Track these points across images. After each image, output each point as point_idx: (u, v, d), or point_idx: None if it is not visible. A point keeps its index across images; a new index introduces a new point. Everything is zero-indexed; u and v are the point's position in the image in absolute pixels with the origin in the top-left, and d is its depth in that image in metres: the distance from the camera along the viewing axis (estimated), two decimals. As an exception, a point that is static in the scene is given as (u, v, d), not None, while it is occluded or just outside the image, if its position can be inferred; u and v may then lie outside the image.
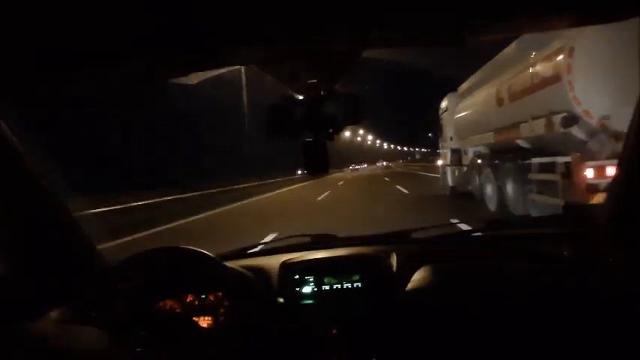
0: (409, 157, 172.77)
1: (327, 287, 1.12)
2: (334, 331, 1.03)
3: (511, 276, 1.04)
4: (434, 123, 12.59)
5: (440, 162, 12.50)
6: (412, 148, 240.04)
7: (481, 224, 1.32)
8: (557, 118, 5.03)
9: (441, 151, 12.12)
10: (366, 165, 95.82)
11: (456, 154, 10.28)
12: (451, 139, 10.52)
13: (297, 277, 1.14)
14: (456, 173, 10.39)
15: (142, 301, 1.09)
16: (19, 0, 0.51)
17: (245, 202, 16.21)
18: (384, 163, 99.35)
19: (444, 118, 11.19)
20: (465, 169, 9.69)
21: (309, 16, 0.57)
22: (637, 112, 0.89)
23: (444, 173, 11.43)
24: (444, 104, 11.28)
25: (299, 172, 41.98)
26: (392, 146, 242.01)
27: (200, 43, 0.62)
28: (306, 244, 1.39)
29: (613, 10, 0.61)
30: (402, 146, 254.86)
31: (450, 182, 10.80)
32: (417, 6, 0.56)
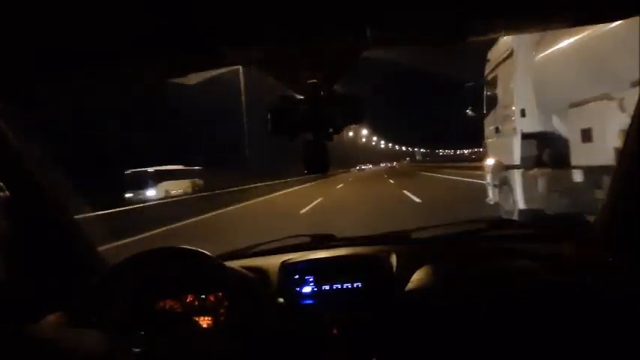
0: (408, 158, 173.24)
1: (327, 287, 1.12)
2: (334, 331, 1.03)
3: (511, 276, 1.04)
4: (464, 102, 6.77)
5: (489, 161, 6.48)
6: (411, 148, 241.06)
7: (481, 224, 1.32)
8: None
9: (489, 141, 6.43)
10: (370, 165, 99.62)
11: (540, 142, 5.07)
12: (523, 113, 5.12)
13: (297, 277, 1.14)
14: (540, 184, 4.82)
15: (142, 301, 1.09)
16: (19, 0, 0.51)
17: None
18: (388, 164, 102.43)
19: (501, 74, 5.71)
20: (579, 175, 4.27)
21: (309, 16, 0.57)
22: (637, 112, 0.89)
23: (502, 183, 5.84)
24: (502, 46, 5.63)
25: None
26: (390, 145, 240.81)
27: (200, 43, 0.62)
28: (306, 244, 1.39)
29: (613, 9, 0.62)
30: (401, 146, 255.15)
31: (520, 201, 5.18)
32: (416, 6, 0.56)
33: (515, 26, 0.63)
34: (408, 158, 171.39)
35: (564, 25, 0.70)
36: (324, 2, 0.55)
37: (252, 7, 0.55)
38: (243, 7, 0.55)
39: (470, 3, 0.55)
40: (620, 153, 0.97)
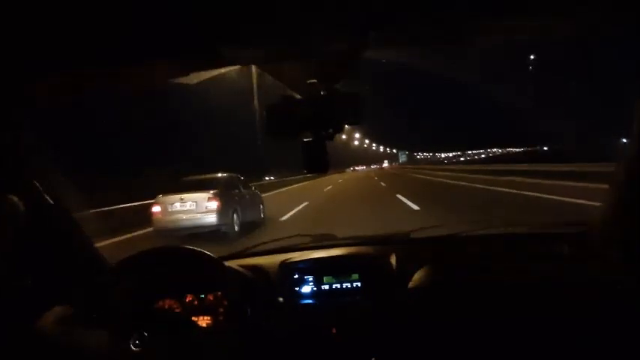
0: (387, 160, 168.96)
1: (326, 287, 1.12)
2: (334, 331, 1.03)
3: (510, 275, 1.04)
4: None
5: None
6: (389, 149, 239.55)
7: (481, 224, 1.33)
8: None
9: None
10: (364, 167, 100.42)
11: None
12: None
13: (296, 276, 1.14)
14: None
15: (142, 301, 1.08)
16: (20, 0, 0.51)
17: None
18: (378, 166, 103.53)
19: None
20: None
21: (309, 16, 0.58)
22: (637, 113, 0.91)
23: None
24: None
25: None
26: (373, 144, 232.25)
27: (200, 43, 0.62)
28: (305, 243, 1.39)
29: (615, 14, 0.63)
30: (379, 146, 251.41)
31: None
32: (417, 6, 0.57)
33: (515, 27, 0.64)
34: (386, 160, 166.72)
35: (567, 28, 0.71)
36: (324, 2, 0.55)
37: (252, 7, 0.55)
38: (243, 7, 0.55)
39: (470, 3, 0.56)
40: (623, 155, 0.97)
